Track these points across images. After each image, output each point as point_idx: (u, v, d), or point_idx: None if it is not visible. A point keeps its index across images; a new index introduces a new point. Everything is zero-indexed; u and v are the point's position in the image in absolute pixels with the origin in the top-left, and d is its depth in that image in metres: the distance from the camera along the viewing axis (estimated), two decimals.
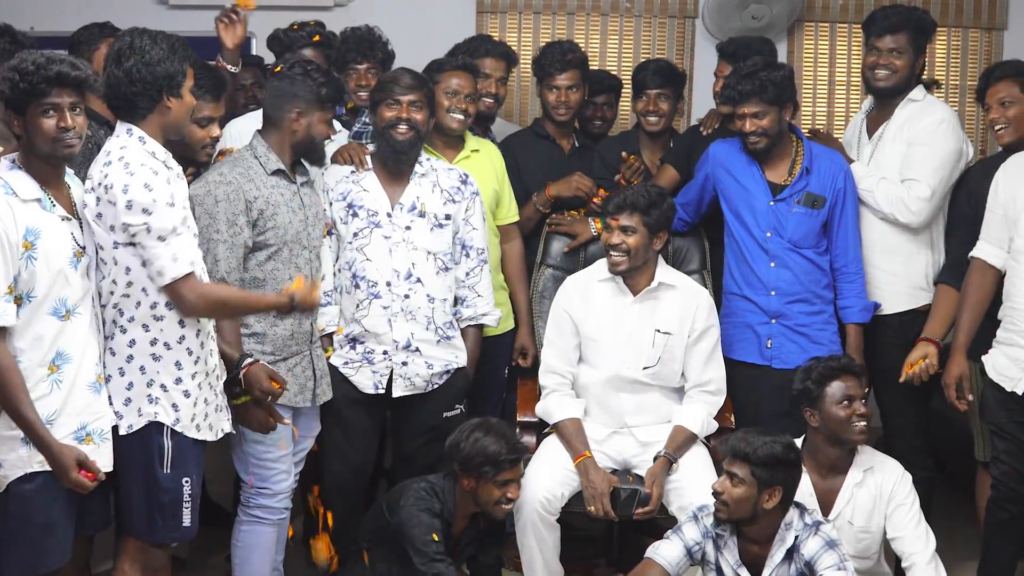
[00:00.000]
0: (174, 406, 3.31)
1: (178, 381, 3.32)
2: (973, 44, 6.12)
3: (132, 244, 3.22)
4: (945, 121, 4.39)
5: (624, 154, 4.70)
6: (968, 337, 4.06)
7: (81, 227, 3.23)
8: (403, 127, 4.09)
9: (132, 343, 3.28)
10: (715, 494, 3.60)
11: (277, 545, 4.02)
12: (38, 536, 3.16)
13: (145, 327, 3.29)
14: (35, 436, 3.08)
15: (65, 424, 3.15)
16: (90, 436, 3.20)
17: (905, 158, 4.36)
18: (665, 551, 3.70)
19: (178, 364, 3.33)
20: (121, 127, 3.33)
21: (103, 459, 3.25)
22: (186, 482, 3.36)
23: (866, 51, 4.49)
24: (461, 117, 4.44)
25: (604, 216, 4.22)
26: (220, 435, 3.49)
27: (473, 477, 3.79)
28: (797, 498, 3.71)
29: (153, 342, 3.31)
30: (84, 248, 3.20)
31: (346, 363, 4.11)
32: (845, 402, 3.86)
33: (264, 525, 3.93)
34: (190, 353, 3.34)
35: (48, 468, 3.13)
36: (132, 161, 3.22)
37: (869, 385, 4.08)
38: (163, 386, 3.30)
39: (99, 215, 3.23)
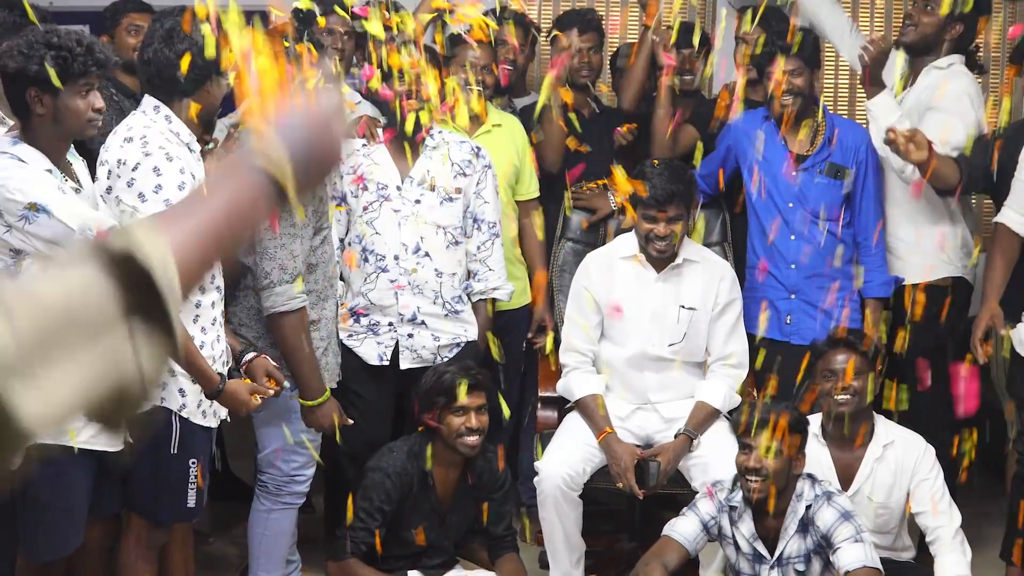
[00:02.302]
0: (181, 391, 3.30)
1: None
2: (996, 11, 6.04)
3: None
4: (969, 90, 4.31)
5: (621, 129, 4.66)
6: (998, 292, 4.02)
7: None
8: (415, 101, 4.07)
9: None
10: (751, 471, 3.56)
11: None
12: (59, 520, 3.17)
13: None
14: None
15: None
16: None
17: (932, 125, 4.25)
18: (682, 527, 3.71)
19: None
20: (148, 103, 3.31)
21: (109, 438, 3.24)
22: (192, 463, 3.36)
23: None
24: (479, 89, 4.42)
25: (640, 204, 4.11)
26: (219, 421, 3.48)
27: (433, 412, 3.80)
28: (816, 472, 3.72)
29: None
30: None
31: (350, 335, 4.11)
32: (827, 374, 3.89)
33: (291, 509, 3.97)
34: (192, 339, 3.32)
35: (56, 443, 3.09)
36: (151, 141, 3.20)
37: (880, 357, 4.03)
38: (171, 371, 3.29)
39: (108, 189, 3.23)
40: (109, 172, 3.22)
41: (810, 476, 3.65)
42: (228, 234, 1.23)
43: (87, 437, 3.18)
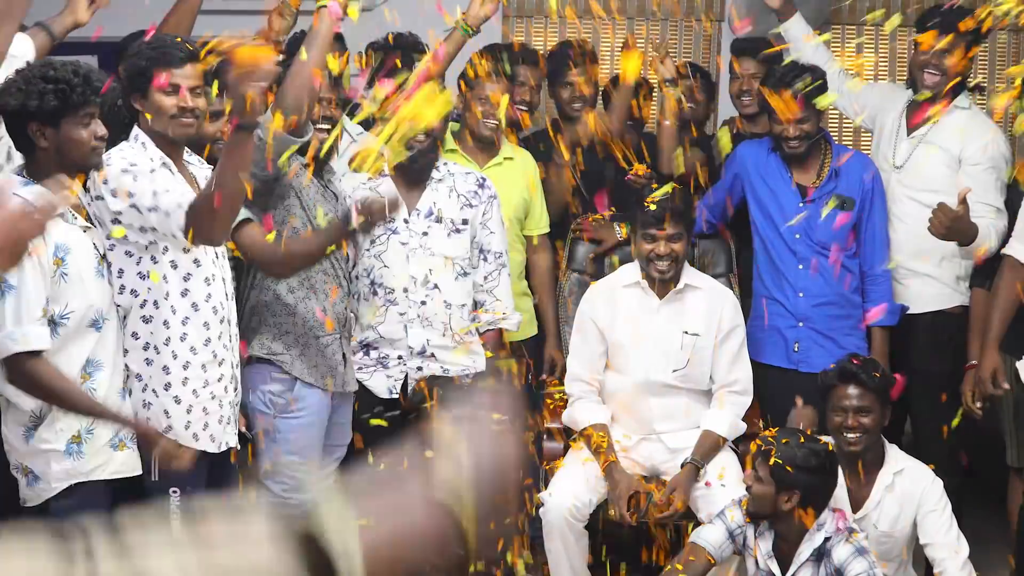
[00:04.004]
0: (165, 412, 3.31)
1: (167, 387, 3.32)
2: (1001, 45, 6.07)
3: (118, 245, 3.26)
4: (999, 140, 4.36)
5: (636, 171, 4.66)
6: (999, 333, 3.98)
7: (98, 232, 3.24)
8: (421, 136, 4.09)
9: (126, 352, 3.29)
10: (746, 487, 3.65)
11: None
12: None
13: (134, 334, 3.30)
14: (112, 419, 3.12)
15: (103, 434, 3.16)
16: (123, 442, 3.21)
17: (975, 180, 4.25)
18: (708, 535, 3.73)
19: (165, 369, 3.32)
20: (132, 134, 3.35)
21: (134, 463, 3.25)
22: (173, 493, 3.33)
23: (916, 50, 4.43)
24: (495, 123, 4.44)
25: (639, 225, 4.14)
26: (224, 448, 3.46)
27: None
28: None
29: (146, 347, 3.31)
30: (104, 255, 3.21)
31: (360, 368, 4.10)
32: (838, 410, 3.86)
33: None
34: (175, 357, 3.33)
35: (89, 479, 3.14)
36: (114, 154, 3.23)
37: (890, 390, 4.02)
38: (154, 391, 3.31)
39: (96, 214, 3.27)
40: (92, 198, 3.26)
41: (835, 510, 3.67)
42: (411, 552, 1.20)
43: (117, 466, 3.19)
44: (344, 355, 3.90)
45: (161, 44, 3.33)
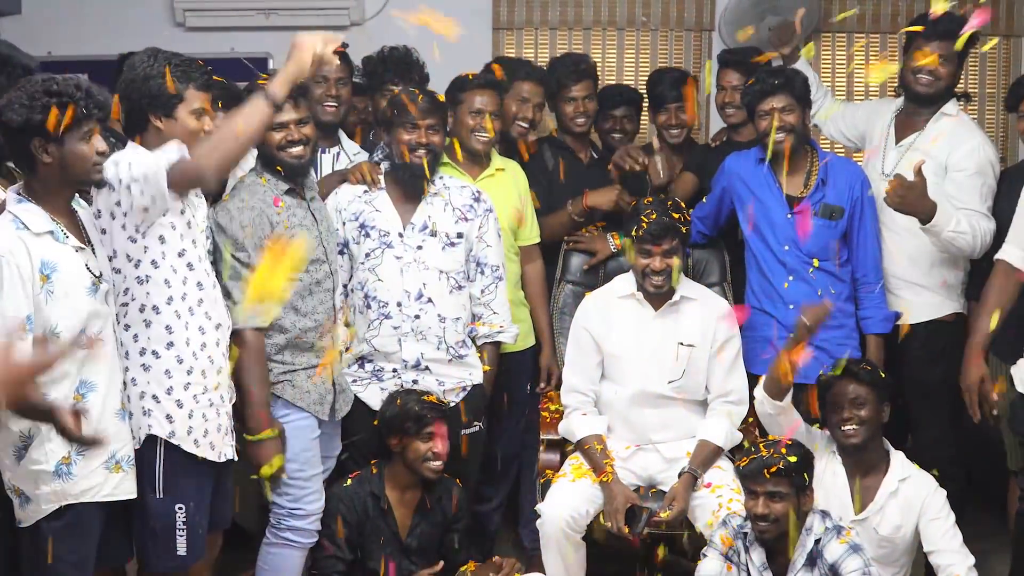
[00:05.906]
0: (168, 417, 3.31)
1: (169, 391, 3.32)
2: (991, 51, 6.08)
3: (121, 222, 3.26)
4: (985, 146, 4.39)
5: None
6: (985, 338, 3.95)
7: (95, 253, 3.22)
8: (422, 151, 4.09)
9: (127, 355, 3.30)
10: (760, 517, 3.64)
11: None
12: (71, 574, 3.14)
13: (135, 336, 3.31)
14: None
15: (98, 455, 3.15)
16: (119, 464, 3.21)
17: (960, 186, 4.30)
18: (707, 569, 3.75)
19: (167, 372, 3.33)
20: (129, 147, 3.35)
21: (129, 486, 3.24)
22: (179, 509, 3.33)
23: (909, 54, 4.45)
24: (486, 136, 4.43)
25: (635, 240, 4.13)
26: (223, 459, 3.46)
27: (398, 436, 3.94)
28: (831, 487, 3.85)
29: (142, 351, 3.32)
30: (100, 275, 3.19)
31: (354, 380, 4.11)
32: (835, 406, 3.92)
33: (293, 548, 3.92)
34: (180, 362, 3.34)
35: (79, 501, 3.12)
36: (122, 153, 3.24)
37: (888, 389, 4.02)
38: (155, 396, 3.31)
39: (99, 223, 3.27)
40: (99, 212, 3.27)
41: (822, 511, 3.70)
42: None
43: (110, 489, 3.18)
44: (335, 384, 3.93)
45: (192, 65, 3.34)
